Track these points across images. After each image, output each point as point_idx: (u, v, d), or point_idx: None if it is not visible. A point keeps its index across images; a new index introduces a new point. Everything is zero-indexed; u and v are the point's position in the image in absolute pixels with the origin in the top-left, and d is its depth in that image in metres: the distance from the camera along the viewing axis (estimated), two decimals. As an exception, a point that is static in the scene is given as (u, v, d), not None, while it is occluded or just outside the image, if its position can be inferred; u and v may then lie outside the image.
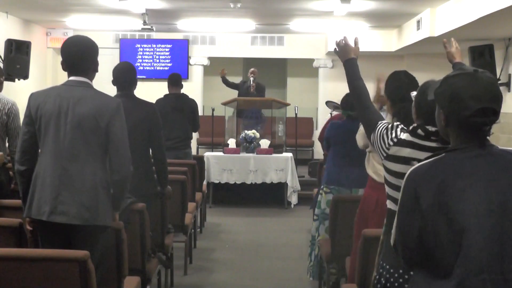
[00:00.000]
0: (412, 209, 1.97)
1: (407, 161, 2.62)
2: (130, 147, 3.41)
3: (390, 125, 2.76)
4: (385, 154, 2.70)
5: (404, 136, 2.68)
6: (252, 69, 10.59)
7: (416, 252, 1.99)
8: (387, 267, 2.63)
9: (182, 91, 7.35)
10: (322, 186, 5.42)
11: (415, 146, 2.63)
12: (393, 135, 2.71)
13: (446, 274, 1.91)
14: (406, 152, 2.63)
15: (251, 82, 10.35)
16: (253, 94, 10.28)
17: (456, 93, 1.97)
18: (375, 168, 4.01)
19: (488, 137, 2.03)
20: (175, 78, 7.31)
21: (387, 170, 2.71)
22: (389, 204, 2.74)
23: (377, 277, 2.68)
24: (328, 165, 5.44)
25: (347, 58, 3.02)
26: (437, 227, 1.91)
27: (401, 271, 2.58)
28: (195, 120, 7.25)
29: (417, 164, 2.03)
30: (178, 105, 7.06)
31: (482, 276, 1.86)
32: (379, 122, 2.82)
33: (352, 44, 3.08)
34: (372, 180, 4.03)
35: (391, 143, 2.69)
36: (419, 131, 2.64)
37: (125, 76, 4.62)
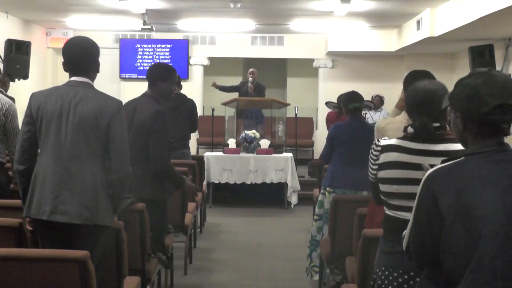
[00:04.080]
0: (429, 212, 1.93)
1: (396, 165, 2.59)
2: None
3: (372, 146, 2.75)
4: (376, 167, 2.67)
5: (388, 141, 2.66)
6: (251, 70, 10.56)
7: (429, 256, 1.96)
8: (383, 268, 2.62)
9: (182, 91, 7.35)
10: (324, 186, 5.39)
11: (400, 149, 2.60)
12: (375, 146, 2.70)
13: (455, 281, 1.86)
14: (394, 156, 2.61)
15: (250, 83, 10.33)
16: (252, 95, 10.27)
17: (473, 92, 1.93)
18: None
19: (506, 136, 1.99)
20: None
21: (382, 180, 2.65)
22: (386, 211, 2.70)
23: (374, 277, 2.68)
24: (332, 166, 5.38)
25: None
26: (453, 232, 1.88)
27: (400, 271, 2.58)
28: (193, 121, 7.22)
29: (436, 167, 1.98)
30: (176, 106, 7.03)
31: (495, 284, 1.81)
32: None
33: None
34: None
35: (376, 153, 2.67)
36: (409, 128, 2.62)
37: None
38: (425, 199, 1.95)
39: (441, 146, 2.60)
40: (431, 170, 1.98)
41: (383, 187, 2.65)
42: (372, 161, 2.70)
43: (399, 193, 2.59)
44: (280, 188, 9.27)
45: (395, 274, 2.57)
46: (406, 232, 2.05)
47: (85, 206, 3.26)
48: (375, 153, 2.68)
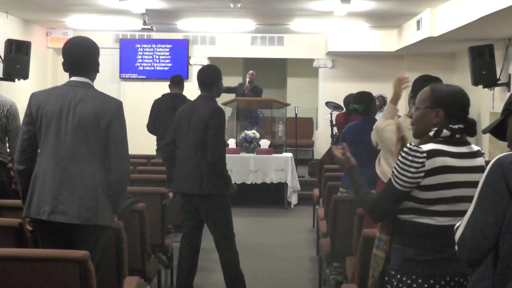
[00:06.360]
0: (496, 191, 2.02)
1: (446, 170, 2.54)
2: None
3: (403, 154, 2.57)
4: (422, 174, 2.53)
5: (429, 146, 2.57)
6: (250, 72, 10.54)
7: (487, 245, 2.03)
8: (414, 277, 2.58)
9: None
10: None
11: (448, 154, 2.56)
12: (418, 153, 2.54)
13: (510, 267, 1.95)
14: (441, 161, 2.54)
15: (246, 83, 10.31)
16: (249, 95, 10.24)
17: None
18: (382, 169, 4.00)
19: None
20: (174, 78, 7.35)
21: (427, 187, 2.55)
22: (416, 218, 2.62)
23: (395, 283, 2.64)
24: None
25: (350, 166, 2.85)
26: None
27: (437, 278, 2.55)
28: None
29: (504, 153, 2.08)
30: (172, 105, 7.03)
31: None
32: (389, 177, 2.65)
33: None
34: (381, 182, 3.98)
35: (421, 160, 2.53)
36: (445, 131, 2.57)
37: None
38: (494, 179, 2.03)
39: (466, 148, 2.63)
40: (498, 156, 2.08)
41: (425, 194, 2.57)
42: (413, 169, 2.53)
43: (443, 198, 2.57)
44: (280, 188, 9.27)
45: (431, 281, 2.55)
46: (460, 224, 2.12)
47: (85, 206, 3.26)
48: (419, 160, 2.52)
